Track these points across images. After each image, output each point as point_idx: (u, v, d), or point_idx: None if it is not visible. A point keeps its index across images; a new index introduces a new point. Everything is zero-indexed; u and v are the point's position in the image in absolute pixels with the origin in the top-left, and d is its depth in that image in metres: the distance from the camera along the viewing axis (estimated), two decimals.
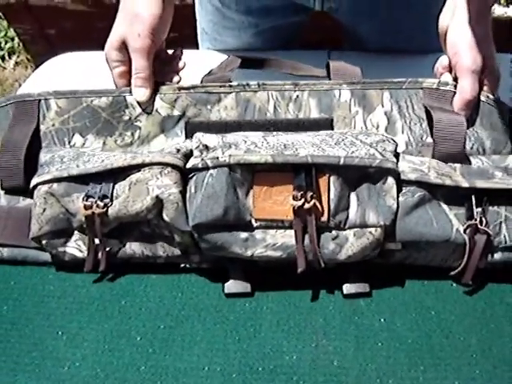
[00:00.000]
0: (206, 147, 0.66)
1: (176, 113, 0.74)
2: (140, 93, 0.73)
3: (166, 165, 0.66)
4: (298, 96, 0.74)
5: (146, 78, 0.73)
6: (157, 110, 0.74)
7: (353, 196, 0.66)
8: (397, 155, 0.67)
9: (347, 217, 0.65)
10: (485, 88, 0.73)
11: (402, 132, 0.72)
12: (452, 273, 0.66)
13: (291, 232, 0.65)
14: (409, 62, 0.93)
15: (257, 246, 0.65)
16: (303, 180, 0.64)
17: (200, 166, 0.65)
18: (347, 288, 0.67)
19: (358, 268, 0.68)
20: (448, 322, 0.66)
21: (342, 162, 0.64)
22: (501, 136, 0.72)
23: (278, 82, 0.74)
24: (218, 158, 0.65)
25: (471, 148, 0.70)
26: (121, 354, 0.64)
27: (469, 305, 0.67)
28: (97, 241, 0.67)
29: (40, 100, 0.75)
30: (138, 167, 0.67)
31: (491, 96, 0.72)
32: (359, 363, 0.62)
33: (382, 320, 0.66)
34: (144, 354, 0.64)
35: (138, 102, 0.74)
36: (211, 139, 0.67)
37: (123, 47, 0.74)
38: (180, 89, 0.74)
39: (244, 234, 0.65)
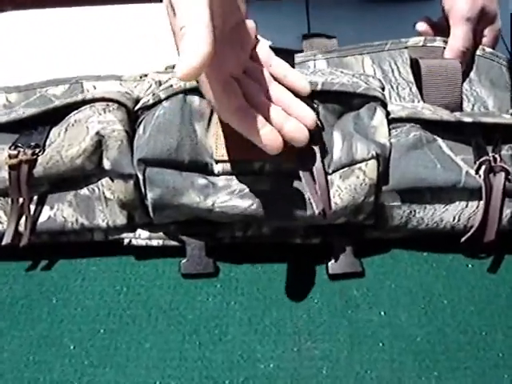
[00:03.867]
0: (160, 83, 0.55)
1: None
2: None
3: (111, 101, 0.53)
4: None
5: None
6: None
7: (336, 134, 0.53)
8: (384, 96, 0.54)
9: (331, 158, 0.52)
10: (483, 40, 0.63)
11: (390, 98, 0.60)
12: (469, 233, 0.52)
13: (263, 177, 0.52)
14: (412, 10, 0.79)
15: (219, 192, 0.51)
16: None
17: (151, 101, 0.53)
18: (333, 266, 0.53)
19: (346, 239, 0.54)
20: (465, 313, 0.52)
21: (319, 87, 0.52)
22: (504, 93, 0.60)
23: None
24: (171, 85, 0.53)
25: (472, 109, 0.60)
26: (50, 366, 0.49)
27: (491, 291, 0.54)
28: (21, 200, 0.54)
29: None
30: (77, 105, 0.54)
31: (488, 49, 0.62)
32: (355, 370, 0.48)
33: (382, 313, 0.52)
34: (79, 367, 0.49)
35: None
36: (167, 75, 0.55)
37: None
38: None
39: (202, 180, 0.51)
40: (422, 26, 0.65)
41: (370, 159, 0.51)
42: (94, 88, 0.60)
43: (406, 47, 0.61)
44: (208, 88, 0.46)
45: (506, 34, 0.75)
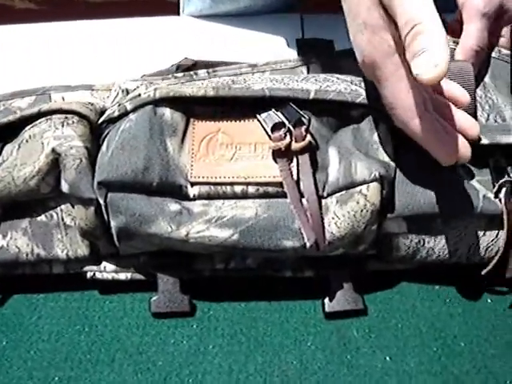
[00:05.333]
0: (127, 92, 0.48)
1: None
2: None
3: (70, 112, 0.46)
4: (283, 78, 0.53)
5: None
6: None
7: (332, 151, 0.45)
8: None
9: (326, 180, 0.45)
10: (500, 41, 0.55)
11: None
12: (489, 266, 0.45)
13: (246, 202, 0.44)
14: None
15: (194, 220, 0.43)
16: (275, 115, 0.45)
17: (116, 113, 0.46)
18: (329, 303, 0.46)
19: (344, 271, 0.46)
20: (486, 357, 0.44)
21: (312, 95, 0.45)
22: None
23: (232, 66, 0.55)
24: (139, 94, 0.45)
25: (487, 120, 0.52)
26: None
27: None
28: None
29: None
30: (33, 118, 0.47)
31: (506, 51, 0.54)
32: None
33: (388, 358, 0.44)
34: None
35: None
36: (135, 83, 0.48)
37: None
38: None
39: (175, 206, 0.43)
40: None
41: (371, 181, 0.43)
42: (63, 99, 0.53)
43: None
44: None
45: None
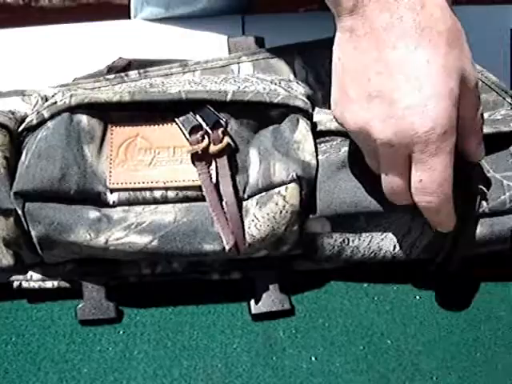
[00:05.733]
0: (46, 98, 0.47)
1: None
2: None
3: None
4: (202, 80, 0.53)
5: None
6: None
7: (253, 152, 0.45)
8: (312, 106, 0.46)
9: (247, 182, 0.44)
10: None
11: (324, 103, 0.51)
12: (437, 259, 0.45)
13: (166, 207, 0.44)
14: None
15: (113, 227, 0.43)
16: (192, 118, 0.44)
17: (35, 121, 0.45)
18: (255, 305, 0.46)
19: (270, 272, 0.46)
20: (412, 355, 0.44)
21: (229, 97, 0.44)
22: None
23: (164, 66, 0.54)
24: (56, 102, 0.45)
25: None
26: None
27: (442, 327, 0.46)
28: None
29: None
30: None
31: None
32: None
33: (313, 358, 0.44)
34: None
35: None
36: (53, 90, 0.48)
37: None
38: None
39: (94, 213, 0.43)
40: None
41: (290, 182, 0.43)
42: None
43: None
44: None
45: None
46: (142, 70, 0.53)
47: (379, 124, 0.37)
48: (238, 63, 0.54)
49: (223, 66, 0.54)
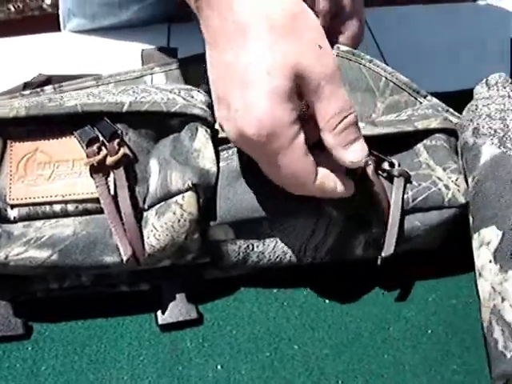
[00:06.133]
0: None
1: None
2: None
3: None
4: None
5: None
6: None
7: (153, 162, 0.45)
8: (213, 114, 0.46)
9: (147, 192, 0.44)
10: (340, 37, 0.55)
11: None
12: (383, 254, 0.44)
13: (67, 220, 0.44)
14: None
15: (13, 243, 0.43)
16: (90, 130, 0.44)
17: None
18: (162, 315, 0.46)
19: (177, 282, 0.46)
20: (319, 359, 0.44)
21: (125, 108, 0.44)
22: (366, 97, 0.52)
23: (77, 81, 0.55)
24: None
25: None
26: None
27: (350, 330, 0.45)
28: None
29: None
30: None
31: (345, 47, 0.53)
32: None
33: (219, 367, 0.44)
34: None
35: None
36: None
37: None
38: None
39: None
40: None
41: (186, 190, 0.43)
42: None
43: None
44: None
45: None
46: (57, 85, 0.54)
47: (226, 126, 0.38)
48: (151, 74, 0.54)
49: (137, 78, 0.55)
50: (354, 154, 0.39)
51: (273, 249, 0.45)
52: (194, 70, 0.54)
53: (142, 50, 0.56)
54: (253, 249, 0.45)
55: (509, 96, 0.45)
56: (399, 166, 0.45)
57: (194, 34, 0.67)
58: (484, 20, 0.75)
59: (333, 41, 0.54)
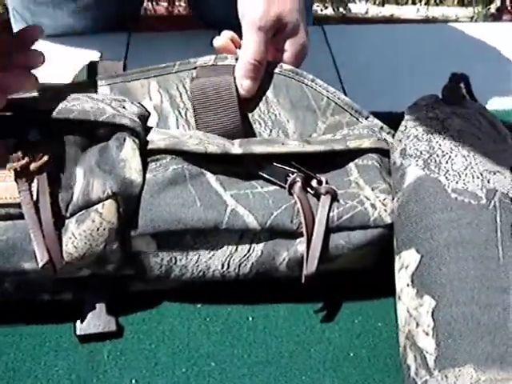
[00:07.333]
0: None
1: None
2: None
3: None
4: None
5: None
6: None
7: (79, 171, 0.45)
8: (147, 128, 0.47)
9: (70, 200, 0.44)
10: (284, 55, 0.55)
11: (177, 126, 0.53)
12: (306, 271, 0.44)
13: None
14: None
15: None
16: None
17: None
18: (81, 326, 0.45)
19: (99, 293, 0.46)
20: (235, 376, 0.43)
21: (53, 115, 0.44)
22: (307, 116, 0.52)
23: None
24: None
25: (269, 135, 0.52)
26: None
27: (271, 348, 0.44)
28: None
29: None
30: None
31: (287, 66, 0.54)
32: None
33: (134, 381, 0.43)
34: None
35: None
36: None
37: None
38: None
39: None
40: (218, 41, 0.55)
41: (106, 199, 0.43)
42: None
43: (195, 67, 0.53)
44: None
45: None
46: None
47: None
48: (98, 87, 0.54)
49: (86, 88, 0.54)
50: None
51: (196, 262, 0.45)
52: (137, 85, 0.54)
53: (90, 61, 0.56)
54: (176, 262, 0.45)
55: (437, 118, 0.44)
56: (327, 183, 0.45)
57: (153, 43, 0.68)
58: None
59: (277, 57, 0.54)
